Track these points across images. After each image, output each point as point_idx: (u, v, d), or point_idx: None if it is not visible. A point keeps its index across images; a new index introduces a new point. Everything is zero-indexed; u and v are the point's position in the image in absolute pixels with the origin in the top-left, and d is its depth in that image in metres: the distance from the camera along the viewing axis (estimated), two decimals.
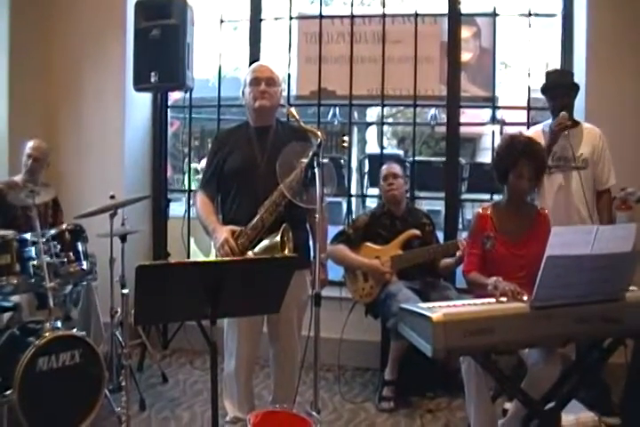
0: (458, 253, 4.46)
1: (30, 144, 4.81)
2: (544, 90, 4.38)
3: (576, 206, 4.25)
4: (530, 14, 5.50)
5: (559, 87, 4.30)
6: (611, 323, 2.93)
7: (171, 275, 2.55)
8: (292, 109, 3.44)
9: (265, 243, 3.42)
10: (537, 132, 4.27)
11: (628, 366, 3.72)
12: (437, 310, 2.86)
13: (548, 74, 4.48)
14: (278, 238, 3.36)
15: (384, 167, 4.93)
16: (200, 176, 4.22)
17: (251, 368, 3.74)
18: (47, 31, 5.82)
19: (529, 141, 3.71)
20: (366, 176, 9.55)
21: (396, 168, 4.89)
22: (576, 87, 4.34)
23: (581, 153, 4.23)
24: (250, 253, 3.40)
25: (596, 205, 4.33)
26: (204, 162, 4.11)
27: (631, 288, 3.07)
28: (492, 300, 3.10)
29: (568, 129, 4.15)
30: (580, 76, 4.88)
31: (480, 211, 3.76)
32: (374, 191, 5.06)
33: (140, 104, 5.92)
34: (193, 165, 7.56)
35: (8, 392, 3.55)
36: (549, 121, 4.35)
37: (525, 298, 3.02)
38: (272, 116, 3.72)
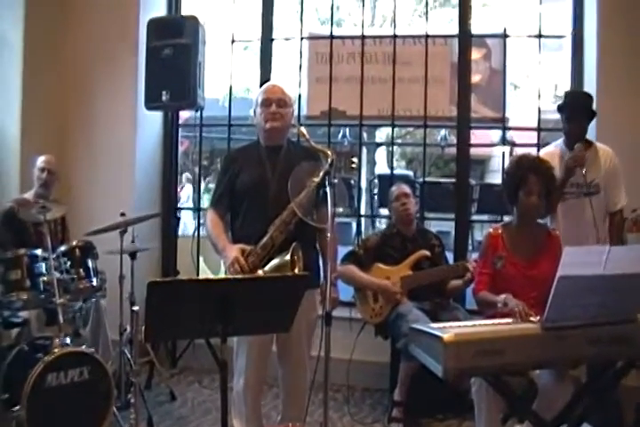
0: (467, 275, 4.45)
1: (42, 158, 4.84)
2: (561, 108, 4.34)
3: (588, 233, 4.21)
4: (540, 36, 5.51)
5: (579, 110, 4.24)
6: (623, 345, 2.91)
7: (182, 292, 2.55)
8: (303, 129, 3.45)
9: (275, 262, 3.41)
10: (554, 151, 4.27)
11: None
12: (449, 330, 2.85)
13: (569, 93, 4.45)
14: (288, 257, 3.35)
15: (394, 188, 4.93)
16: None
17: (259, 387, 3.70)
18: (60, 49, 5.86)
19: (537, 159, 3.76)
20: (376, 197, 9.57)
21: (407, 188, 4.90)
22: (593, 113, 4.31)
23: (594, 178, 4.17)
24: (260, 272, 3.39)
25: (608, 227, 4.31)
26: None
27: None
28: (504, 320, 3.09)
29: (584, 161, 4.11)
30: None
31: (491, 231, 3.76)
32: (384, 212, 5.06)
33: (151, 122, 5.95)
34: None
35: (16, 408, 3.55)
36: (560, 141, 4.35)
37: (534, 318, 3.01)
38: (283, 136, 3.71)
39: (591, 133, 4.57)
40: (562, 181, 4.05)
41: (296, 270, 3.31)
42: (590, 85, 5.07)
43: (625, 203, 4.30)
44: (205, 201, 6.70)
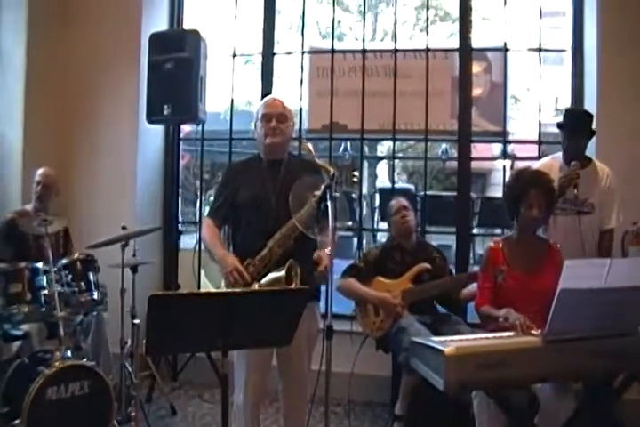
0: (474, 285, 4.43)
1: (39, 171, 4.86)
2: (561, 126, 4.33)
3: (575, 251, 4.18)
4: (540, 49, 5.54)
5: (578, 130, 4.23)
6: (624, 357, 2.90)
7: (183, 305, 2.54)
8: (309, 145, 3.46)
9: (271, 275, 3.40)
10: (553, 163, 4.27)
11: None
12: (450, 343, 2.85)
13: (569, 111, 4.45)
14: (283, 272, 3.34)
15: (393, 202, 4.93)
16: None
17: (259, 401, 3.68)
18: (62, 63, 5.89)
19: (537, 172, 3.77)
20: (377, 210, 9.57)
21: (405, 201, 4.90)
22: (593, 132, 4.29)
23: (587, 197, 4.18)
24: (255, 286, 3.39)
25: (598, 245, 4.30)
26: None
27: None
28: (505, 334, 3.08)
29: (577, 180, 4.08)
30: (590, 111, 4.90)
31: (492, 244, 3.77)
32: (386, 225, 5.08)
33: (153, 136, 5.97)
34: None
35: (16, 422, 3.54)
36: (559, 154, 4.36)
37: (535, 331, 3.01)
38: (284, 150, 3.71)
39: (590, 147, 4.57)
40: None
41: (292, 286, 3.30)
42: (590, 99, 5.08)
43: (616, 225, 4.25)
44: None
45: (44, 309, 4.15)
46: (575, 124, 4.27)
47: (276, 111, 3.65)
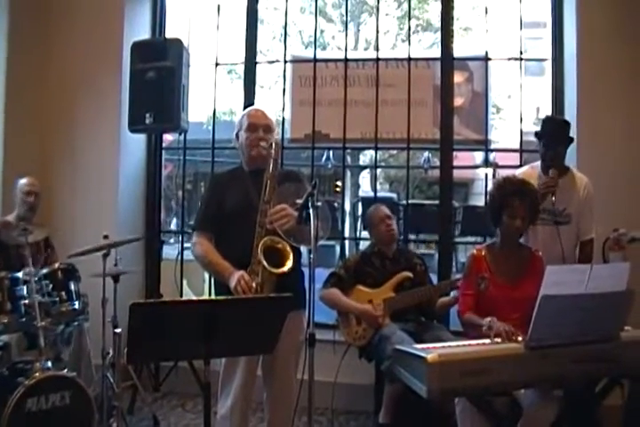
0: (454, 293, 4.45)
1: (26, 181, 4.85)
2: (538, 136, 4.33)
3: (558, 261, 4.18)
4: (521, 59, 5.57)
5: (556, 139, 4.22)
6: (606, 363, 2.91)
7: (165, 313, 2.54)
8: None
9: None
10: (531, 173, 4.27)
11: (624, 407, 3.69)
12: (432, 350, 2.85)
13: (545, 121, 4.47)
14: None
15: (374, 211, 4.92)
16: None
17: (246, 410, 3.65)
18: (43, 71, 5.87)
19: (521, 182, 3.77)
20: (360, 219, 9.58)
21: (387, 210, 4.90)
22: (571, 140, 4.31)
23: (565, 207, 4.18)
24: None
25: (578, 256, 4.30)
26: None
27: (626, 328, 3.07)
28: (487, 341, 3.09)
29: (555, 188, 4.08)
30: (570, 120, 4.92)
31: (474, 252, 3.78)
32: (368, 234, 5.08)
33: (135, 145, 5.94)
34: None
35: None
36: (537, 163, 4.36)
37: (520, 338, 3.02)
38: (267, 160, 3.68)
39: (571, 155, 4.59)
40: None
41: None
42: (570, 108, 5.12)
43: (593, 235, 4.26)
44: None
45: (23, 319, 4.11)
46: (553, 133, 4.26)
47: (262, 122, 3.68)
